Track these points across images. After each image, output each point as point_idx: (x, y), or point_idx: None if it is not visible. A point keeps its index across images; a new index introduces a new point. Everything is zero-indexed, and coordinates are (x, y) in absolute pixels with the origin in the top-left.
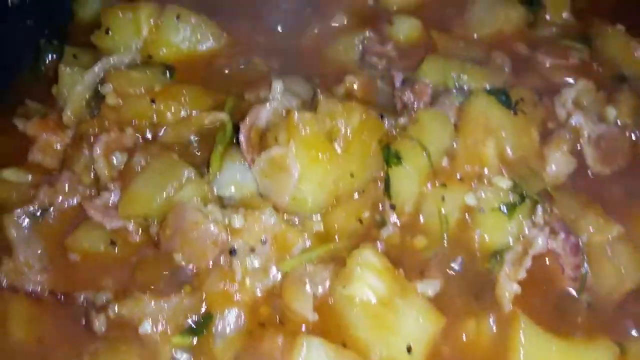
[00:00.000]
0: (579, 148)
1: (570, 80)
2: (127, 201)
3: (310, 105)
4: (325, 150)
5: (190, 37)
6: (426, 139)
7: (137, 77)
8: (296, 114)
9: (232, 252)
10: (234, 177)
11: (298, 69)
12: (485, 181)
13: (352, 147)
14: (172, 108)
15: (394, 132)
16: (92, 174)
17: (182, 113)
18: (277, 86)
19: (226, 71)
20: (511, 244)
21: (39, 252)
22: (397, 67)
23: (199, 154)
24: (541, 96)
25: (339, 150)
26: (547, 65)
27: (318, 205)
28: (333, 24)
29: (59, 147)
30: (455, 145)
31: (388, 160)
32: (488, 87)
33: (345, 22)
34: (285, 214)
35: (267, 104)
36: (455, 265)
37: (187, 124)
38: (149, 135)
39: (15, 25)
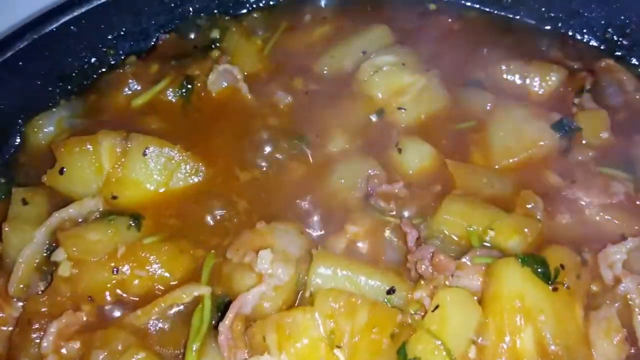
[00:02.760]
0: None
1: (615, 223)
2: None
3: (307, 269)
4: None
5: (161, 173)
6: (449, 333)
7: (96, 240)
8: (289, 319)
9: None
10: None
11: (290, 211)
12: None
13: (359, 352)
14: (139, 278)
15: (408, 317)
16: None
17: (152, 282)
18: (265, 257)
19: (205, 217)
20: None
21: None
22: (409, 215)
23: (174, 338)
24: (582, 250)
25: (342, 358)
26: (585, 203)
27: None
28: (331, 150)
29: (5, 329)
30: (483, 334)
31: None
32: (520, 244)
33: (346, 147)
34: None
35: (252, 291)
36: None
37: (158, 301)
38: (110, 313)
39: None
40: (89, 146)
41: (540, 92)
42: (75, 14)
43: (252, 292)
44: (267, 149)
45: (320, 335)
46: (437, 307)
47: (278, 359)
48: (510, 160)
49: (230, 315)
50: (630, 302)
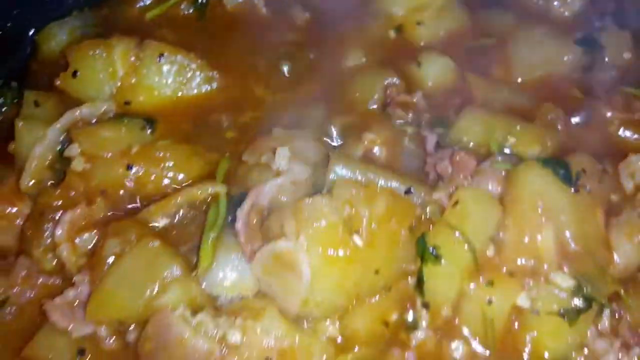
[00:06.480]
0: None
1: (636, 137)
2: (97, 304)
3: (324, 172)
4: (344, 246)
5: (175, 80)
6: (469, 227)
7: (109, 136)
8: (307, 201)
9: None
10: (230, 273)
11: (306, 121)
12: (542, 278)
13: (377, 239)
14: (153, 175)
15: (427, 212)
16: (54, 260)
17: (166, 181)
18: (283, 154)
19: (219, 123)
20: (572, 355)
21: None
22: (428, 124)
23: (187, 234)
24: (603, 161)
25: (360, 244)
26: (607, 117)
27: (334, 308)
28: (348, 64)
29: (16, 223)
30: (503, 232)
31: (423, 256)
32: (541, 153)
33: (364, 61)
34: (294, 317)
35: (271, 180)
36: None
37: (172, 197)
38: (124, 209)
39: None
40: (102, 50)
41: (564, 14)
42: None
43: (269, 183)
44: (284, 63)
45: (338, 219)
46: (456, 202)
47: (295, 243)
48: (532, 75)
49: (247, 202)
50: None
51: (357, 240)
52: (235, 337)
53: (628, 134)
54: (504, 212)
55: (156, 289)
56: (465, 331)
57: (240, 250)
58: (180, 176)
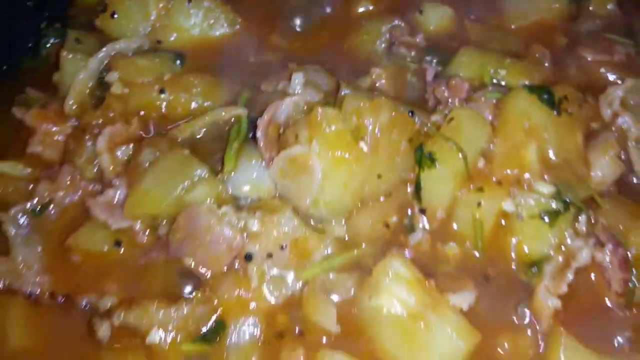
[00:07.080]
0: (624, 153)
1: (615, 77)
2: (134, 201)
3: (334, 99)
4: (351, 149)
5: (202, 22)
6: (462, 140)
7: (145, 64)
8: (320, 110)
9: (247, 257)
10: (250, 176)
11: (319, 60)
12: (525, 186)
13: (380, 147)
14: (183, 99)
15: (426, 130)
16: (95, 168)
17: (194, 105)
18: (298, 78)
19: (241, 60)
20: (551, 254)
21: (39, 252)
22: (428, 60)
23: (212, 149)
24: (585, 94)
25: (365, 150)
26: (590, 60)
27: (342, 208)
28: (358, 10)
29: (60, 139)
30: (492, 147)
31: (420, 162)
32: (528, 83)
33: (371, 8)
34: (305, 218)
35: (287, 98)
36: (490, 276)
37: (200, 118)
38: (157, 128)
39: (14, 7)
40: None
41: None
42: None
43: (286, 100)
44: (299, 9)
45: (347, 127)
46: (452, 119)
47: (308, 147)
48: (524, 22)
49: (267, 113)
50: (626, 134)
51: (363, 146)
52: (255, 226)
53: (608, 74)
54: (493, 131)
55: (186, 187)
56: (458, 234)
57: (259, 159)
58: (207, 103)
